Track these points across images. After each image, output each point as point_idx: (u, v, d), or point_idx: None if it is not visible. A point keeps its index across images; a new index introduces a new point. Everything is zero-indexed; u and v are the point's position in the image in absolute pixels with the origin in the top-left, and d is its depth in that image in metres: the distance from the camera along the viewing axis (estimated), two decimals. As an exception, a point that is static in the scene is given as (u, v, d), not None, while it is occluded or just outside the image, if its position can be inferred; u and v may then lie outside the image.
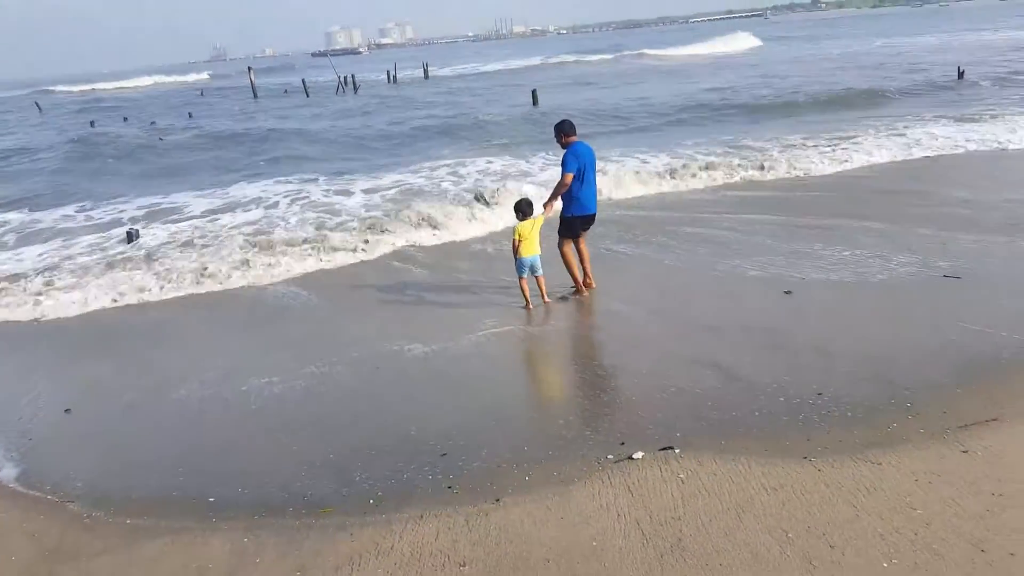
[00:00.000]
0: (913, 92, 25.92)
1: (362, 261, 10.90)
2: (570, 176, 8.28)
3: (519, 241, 8.20)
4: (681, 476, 4.77)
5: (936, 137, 16.69)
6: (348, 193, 15.30)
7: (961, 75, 27.41)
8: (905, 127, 18.07)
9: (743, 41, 66.44)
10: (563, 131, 8.43)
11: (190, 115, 38.52)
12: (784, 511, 4.31)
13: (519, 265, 8.30)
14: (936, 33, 61.23)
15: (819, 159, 15.22)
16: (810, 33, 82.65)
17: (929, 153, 15.60)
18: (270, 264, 10.61)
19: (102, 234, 13.29)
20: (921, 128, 17.81)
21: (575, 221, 8.47)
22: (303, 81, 52.12)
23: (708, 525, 4.24)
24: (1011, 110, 19.68)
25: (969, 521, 4.09)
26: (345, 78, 52.50)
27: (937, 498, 4.32)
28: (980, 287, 7.72)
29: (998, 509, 4.18)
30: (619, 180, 14.26)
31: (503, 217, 12.03)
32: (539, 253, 8.32)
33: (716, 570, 3.86)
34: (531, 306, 8.21)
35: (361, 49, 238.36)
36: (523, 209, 8.31)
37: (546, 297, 8.36)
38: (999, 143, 16.03)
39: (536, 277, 8.32)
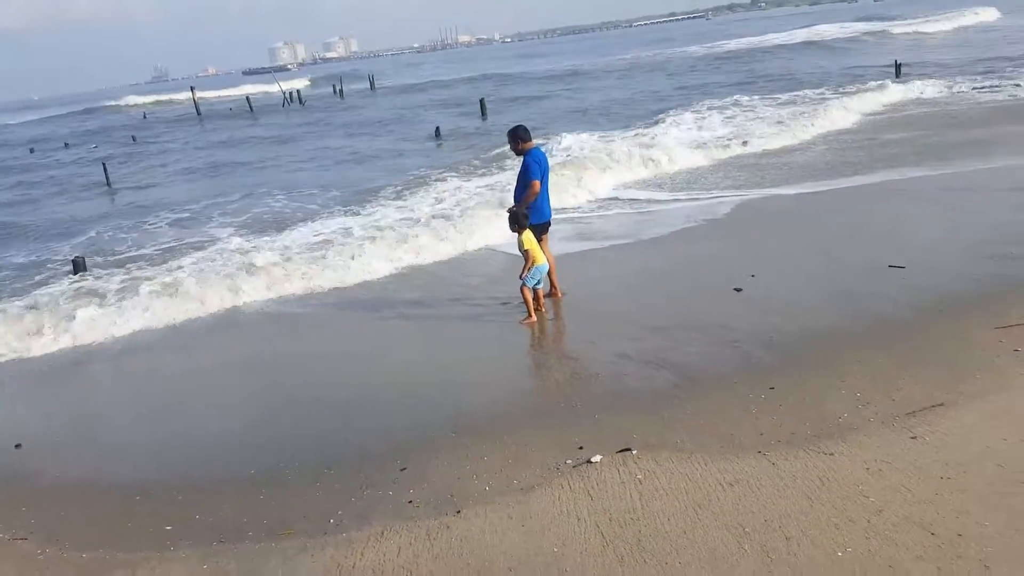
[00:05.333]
0: None
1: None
2: (538, 183, 8.29)
3: (531, 250, 8.03)
4: (639, 477, 4.82)
5: None
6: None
7: None
8: None
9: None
10: (520, 137, 8.44)
11: None
12: (740, 506, 4.37)
13: (535, 273, 8.06)
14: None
15: None
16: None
17: None
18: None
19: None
20: None
21: (535, 229, 8.48)
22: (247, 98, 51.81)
23: (667, 525, 4.28)
24: None
25: (919, 506, 4.19)
26: (290, 93, 52.54)
27: (888, 485, 4.43)
28: (923, 276, 7.94)
29: (946, 492, 4.29)
30: None
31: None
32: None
33: (675, 569, 3.90)
34: (535, 318, 8.02)
35: (289, 66, 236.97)
36: (519, 220, 8.08)
37: (543, 306, 8.26)
38: None
39: (536, 289, 8.15)
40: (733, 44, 61.07)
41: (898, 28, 54.78)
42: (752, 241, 10.08)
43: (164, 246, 13.78)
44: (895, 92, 22.94)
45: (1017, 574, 3.61)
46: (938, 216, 10.28)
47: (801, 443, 5.03)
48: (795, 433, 5.19)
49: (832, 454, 4.83)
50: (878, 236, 9.60)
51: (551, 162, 10.44)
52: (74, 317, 9.42)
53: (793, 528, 4.12)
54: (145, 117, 53.55)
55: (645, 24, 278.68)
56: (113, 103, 70.27)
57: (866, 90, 23.41)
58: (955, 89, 22.90)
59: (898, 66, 27.84)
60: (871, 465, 4.65)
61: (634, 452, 5.13)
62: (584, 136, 19.79)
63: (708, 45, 63.93)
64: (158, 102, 70.06)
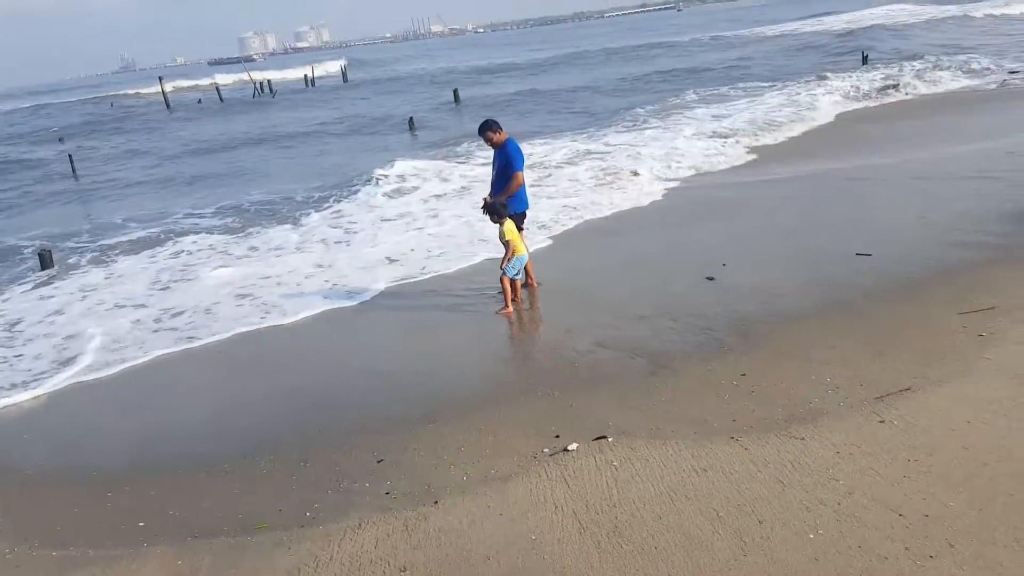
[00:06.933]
0: None
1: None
2: (522, 174, 8.33)
3: (513, 240, 8.01)
4: (615, 464, 4.86)
5: None
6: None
7: None
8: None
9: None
10: (494, 129, 8.45)
11: None
12: (714, 491, 4.44)
13: (516, 263, 8.05)
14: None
15: None
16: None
17: None
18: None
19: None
20: None
21: (514, 218, 8.48)
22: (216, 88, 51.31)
23: (642, 510, 4.33)
24: None
25: (887, 488, 4.28)
26: (261, 84, 52.15)
27: (857, 468, 4.51)
28: (889, 263, 8.07)
29: (913, 474, 4.39)
30: None
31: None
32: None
33: (651, 553, 3.95)
34: (511, 309, 8.00)
35: (256, 56, 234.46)
36: (499, 211, 8.08)
37: (519, 297, 8.23)
38: None
39: (514, 280, 8.15)
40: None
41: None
42: (723, 230, 10.17)
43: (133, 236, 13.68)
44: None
45: (980, 551, 3.71)
46: (903, 202, 10.44)
47: (773, 428, 5.11)
48: (767, 418, 5.27)
49: (803, 439, 4.91)
50: (845, 222, 9.73)
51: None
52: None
53: (766, 511, 4.19)
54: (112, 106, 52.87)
55: (617, 15, 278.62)
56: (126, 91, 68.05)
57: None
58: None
59: (864, 56, 28.32)
60: (841, 449, 4.74)
61: (610, 439, 5.18)
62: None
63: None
64: (131, 94, 68.66)
